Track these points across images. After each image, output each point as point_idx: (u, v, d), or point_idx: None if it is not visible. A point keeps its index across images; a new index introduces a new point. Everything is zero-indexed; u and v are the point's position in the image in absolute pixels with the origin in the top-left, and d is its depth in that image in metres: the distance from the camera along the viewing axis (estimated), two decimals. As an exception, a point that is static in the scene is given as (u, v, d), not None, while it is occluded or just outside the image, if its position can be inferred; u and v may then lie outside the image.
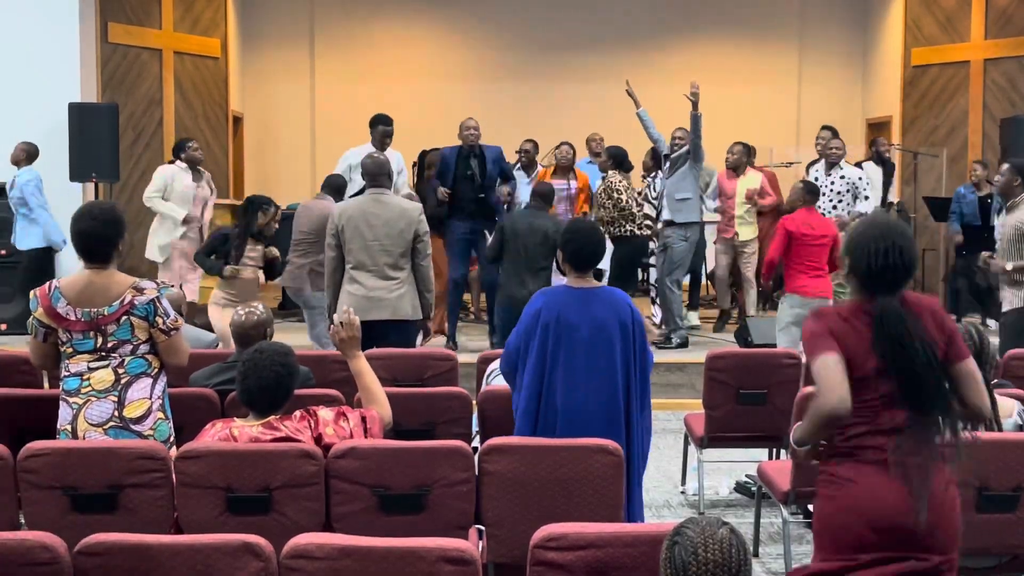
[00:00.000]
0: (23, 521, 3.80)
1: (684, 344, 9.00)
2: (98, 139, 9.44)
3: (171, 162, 9.32)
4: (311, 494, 3.68)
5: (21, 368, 5.32)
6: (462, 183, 8.84)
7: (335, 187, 8.07)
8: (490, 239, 8.26)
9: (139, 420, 4.04)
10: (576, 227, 4.36)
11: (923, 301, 3.04)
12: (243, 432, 3.74)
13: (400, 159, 9.12)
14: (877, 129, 13.43)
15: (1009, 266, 6.43)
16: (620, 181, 9.13)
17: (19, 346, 8.81)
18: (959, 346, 3.01)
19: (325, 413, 3.83)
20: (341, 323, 4.17)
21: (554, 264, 7.98)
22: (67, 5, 10.08)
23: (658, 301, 9.52)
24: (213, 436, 3.76)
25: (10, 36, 9.93)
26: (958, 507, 2.99)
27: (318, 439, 3.77)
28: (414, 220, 6.30)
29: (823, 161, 9.14)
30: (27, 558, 2.80)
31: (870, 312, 2.97)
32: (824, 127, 9.91)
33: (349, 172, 8.89)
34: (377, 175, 6.37)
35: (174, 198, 9.00)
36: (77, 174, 9.49)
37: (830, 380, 2.90)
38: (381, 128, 8.91)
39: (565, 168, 9.56)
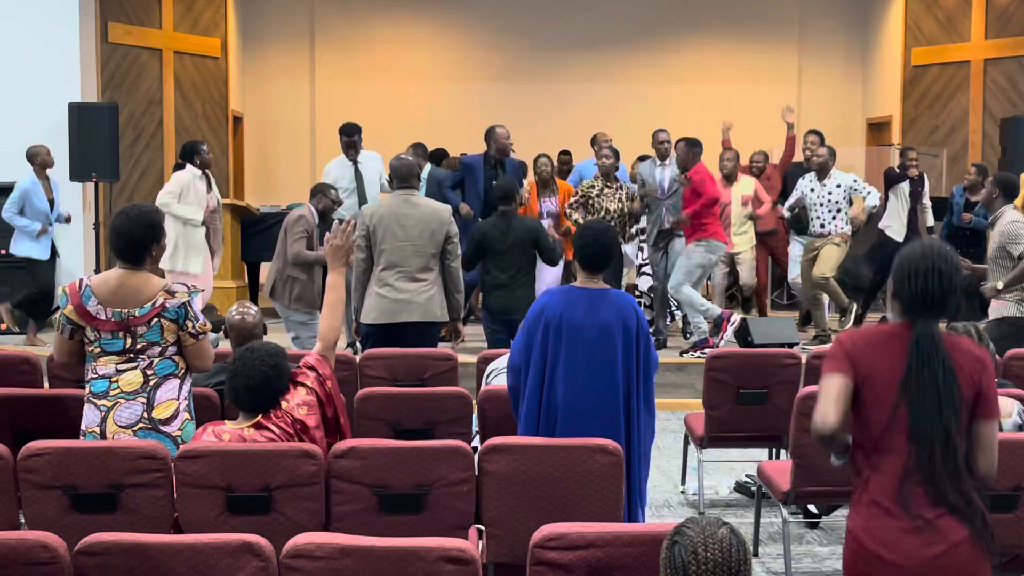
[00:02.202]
0: (23, 521, 3.80)
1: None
2: (98, 139, 9.44)
3: (180, 165, 9.28)
4: (311, 494, 3.68)
5: (21, 368, 5.32)
6: (490, 193, 8.72)
7: (315, 192, 7.70)
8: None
9: (168, 421, 4.05)
10: (588, 228, 4.37)
11: (966, 346, 2.95)
12: (233, 434, 3.75)
13: (379, 161, 8.98)
14: (877, 129, 13.44)
15: (1000, 285, 6.34)
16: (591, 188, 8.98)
17: (19, 346, 8.82)
18: (990, 403, 2.91)
19: (288, 401, 3.86)
20: (341, 229, 4.34)
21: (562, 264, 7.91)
22: (67, 5, 10.08)
23: (653, 307, 9.49)
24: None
25: (10, 36, 9.94)
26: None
27: (303, 428, 3.80)
28: (446, 221, 6.31)
29: (813, 172, 9.10)
30: (27, 558, 2.80)
31: (907, 336, 2.89)
32: (811, 131, 9.86)
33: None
34: (407, 176, 6.37)
35: (186, 202, 8.99)
36: (77, 174, 9.50)
37: (822, 401, 2.89)
38: (344, 139, 8.74)
39: (544, 181, 9.14)
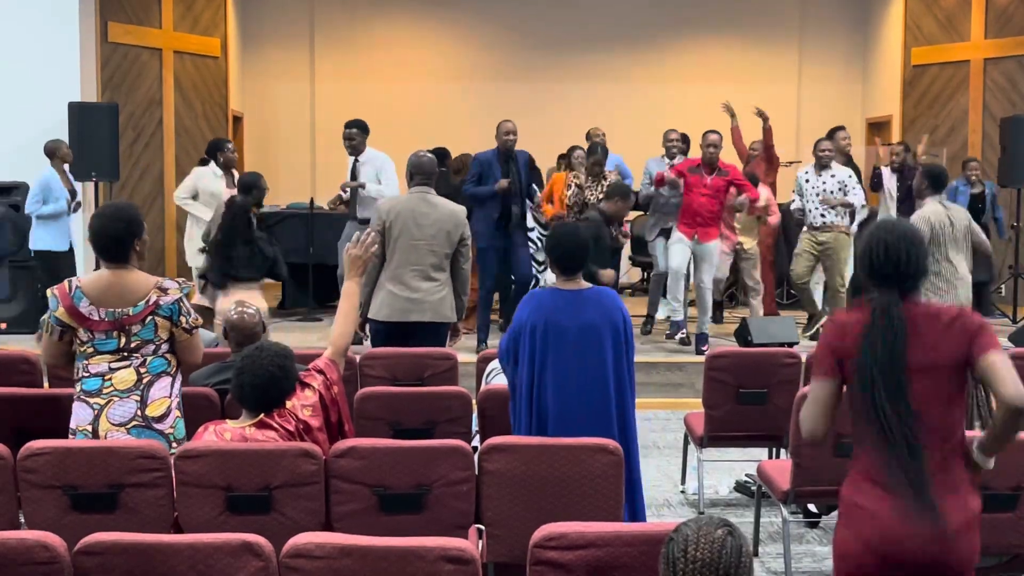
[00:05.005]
0: (23, 521, 3.80)
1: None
2: (98, 139, 9.43)
3: (204, 161, 9.39)
4: (311, 493, 3.68)
5: (21, 368, 5.32)
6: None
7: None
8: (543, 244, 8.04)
9: (160, 419, 4.05)
10: (557, 230, 4.43)
11: (935, 309, 2.95)
12: (235, 433, 3.75)
13: (383, 161, 8.96)
14: (877, 129, 13.44)
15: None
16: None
17: (19, 346, 8.82)
18: (981, 342, 2.88)
19: (294, 402, 3.87)
20: (361, 240, 4.36)
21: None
22: (67, 5, 10.07)
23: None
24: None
25: (10, 36, 9.93)
26: (976, 527, 2.89)
27: (307, 429, 3.80)
28: (462, 222, 6.28)
29: (813, 163, 9.17)
30: (27, 558, 2.80)
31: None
32: (842, 127, 10.01)
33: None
34: (430, 174, 6.32)
35: (202, 201, 9.12)
36: (77, 174, 9.49)
37: (811, 409, 2.99)
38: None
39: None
